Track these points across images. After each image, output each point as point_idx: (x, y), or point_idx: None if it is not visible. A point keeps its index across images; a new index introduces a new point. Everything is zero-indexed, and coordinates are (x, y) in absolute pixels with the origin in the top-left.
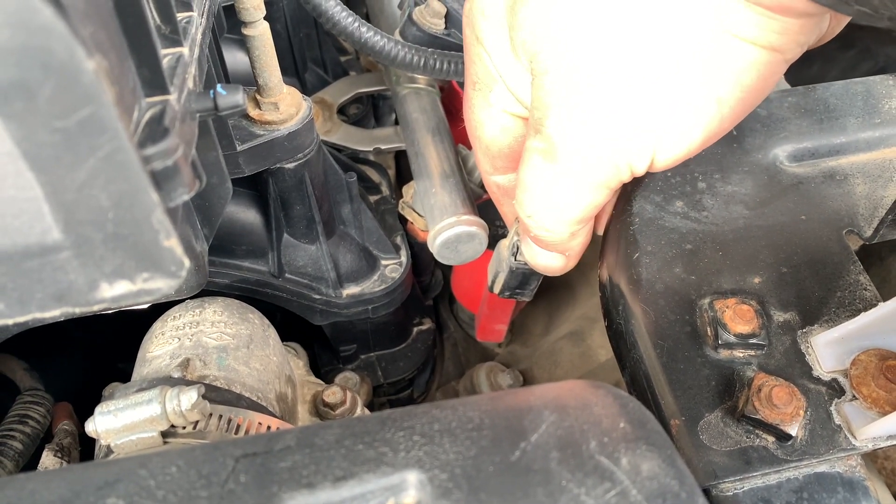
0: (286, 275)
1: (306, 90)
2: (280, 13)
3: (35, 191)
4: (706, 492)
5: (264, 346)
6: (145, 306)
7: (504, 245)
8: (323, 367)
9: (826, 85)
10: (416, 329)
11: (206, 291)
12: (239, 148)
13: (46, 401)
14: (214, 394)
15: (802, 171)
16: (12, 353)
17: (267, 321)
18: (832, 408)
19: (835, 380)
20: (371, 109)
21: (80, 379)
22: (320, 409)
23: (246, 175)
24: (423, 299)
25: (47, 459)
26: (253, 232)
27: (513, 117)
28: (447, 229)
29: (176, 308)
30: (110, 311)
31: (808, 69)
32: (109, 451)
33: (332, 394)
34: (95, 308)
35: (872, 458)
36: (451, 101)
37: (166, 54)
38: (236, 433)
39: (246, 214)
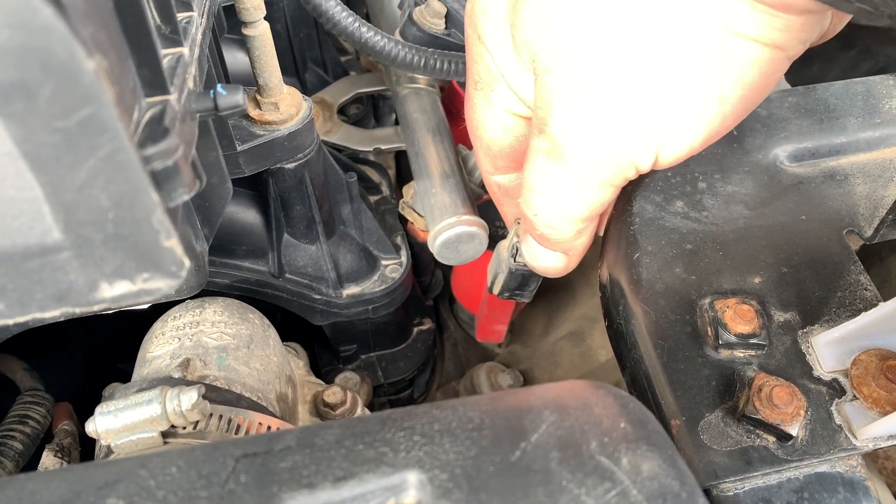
0: (286, 275)
1: (306, 90)
2: (280, 13)
3: (35, 191)
4: (707, 492)
5: (264, 347)
6: (145, 306)
7: (503, 246)
8: (323, 368)
9: (826, 85)
10: (416, 329)
11: (207, 291)
12: (239, 148)
13: (46, 401)
14: (215, 394)
15: (803, 171)
16: (12, 354)
17: (267, 321)
18: (833, 408)
19: (835, 380)
20: (371, 109)
21: (81, 379)
22: (320, 409)
23: (246, 175)
24: (424, 299)
25: (47, 460)
26: (253, 232)
27: (514, 117)
28: (447, 229)
29: (176, 308)
30: (110, 312)
31: (808, 69)
32: (109, 451)
33: (333, 394)
34: (95, 308)
35: (873, 458)
36: (451, 101)
37: (166, 54)
38: (236, 433)
39: (246, 214)
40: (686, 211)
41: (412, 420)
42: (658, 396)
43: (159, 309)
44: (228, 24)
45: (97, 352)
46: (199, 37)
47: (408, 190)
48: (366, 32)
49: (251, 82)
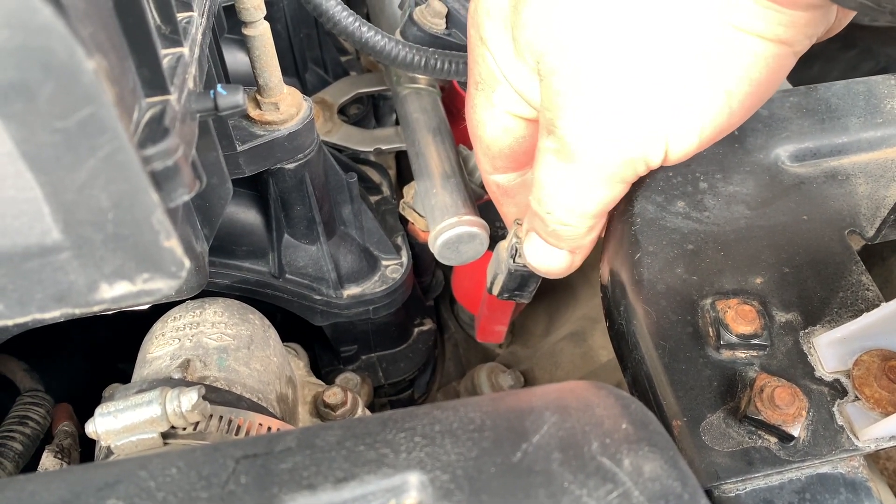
0: (287, 275)
1: (307, 90)
2: (280, 13)
3: (35, 191)
4: (708, 493)
5: (265, 347)
6: (145, 307)
7: (503, 247)
8: (324, 368)
9: (828, 85)
10: (416, 330)
11: (207, 292)
12: (239, 148)
13: (46, 402)
14: (215, 395)
15: (804, 171)
16: (12, 354)
17: (267, 322)
18: (834, 408)
19: (837, 380)
20: (371, 109)
21: (81, 380)
22: (321, 409)
23: (246, 175)
24: (424, 300)
25: (47, 460)
26: (253, 232)
27: (515, 118)
28: (448, 230)
29: (176, 309)
30: (110, 312)
31: (809, 69)
32: (109, 452)
33: (333, 394)
34: (95, 309)
35: (875, 459)
36: (452, 101)
37: (166, 54)
38: (237, 434)
39: (246, 215)
40: (687, 211)
41: (413, 421)
42: (659, 397)
43: (159, 309)
44: (228, 24)
45: (97, 352)
46: (200, 37)
47: (408, 190)
48: (366, 32)
49: (251, 82)
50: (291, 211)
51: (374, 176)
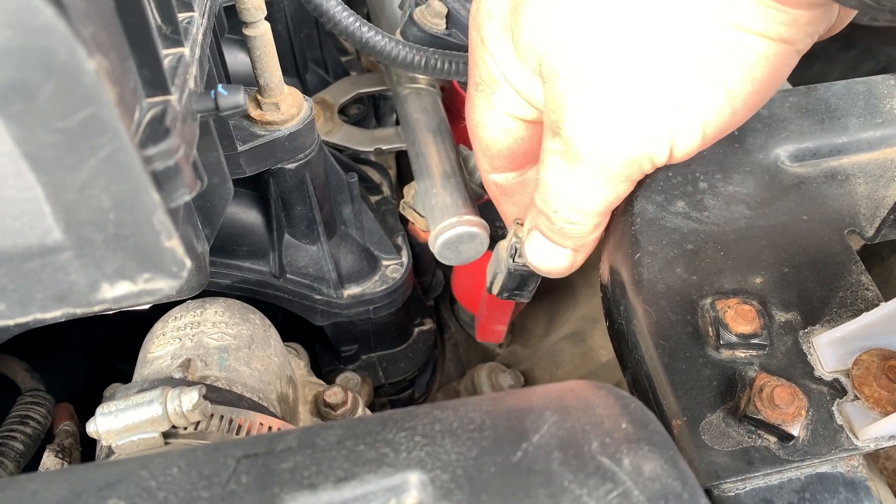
0: (287, 275)
1: (307, 90)
2: (281, 13)
3: (36, 191)
4: (708, 492)
5: (265, 347)
6: (146, 307)
7: (503, 246)
8: (324, 368)
9: (827, 85)
10: (417, 329)
11: (208, 292)
12: (240, 148)
13: (47, 401)
14: (215, 394)
15: (804, 170)
16: (13, 354)
17: (268, 321)
18: (834, 408)
19: (836, 380)
20: (372, 110)
21: (82, 379)
22: (321, 409)
23: (247, 175)
24: (425, 300)
25: (48, 460)
26: (254, 232)
27: (514, 119)
28: (448, 229)
29: (177, 308)
30: (111, 312)
31: (809, 69)
32: (110, 451)
33: (334, 394)
34: (96, 309)
35: (874, 459)
36: (452, 101)
37: (167, 54)
38: (237, 434)
39: (247, 215)
40: (687, 211)
41: (413, 420)
42: (659, 397)
43: (160, 309)
44: (229, 25)
45: (98, 352)
46: (200, 37)
47: (409, 190)
48: (367, 32)
49: (252, 82)
50: (292, 211)
51: (375, 176)
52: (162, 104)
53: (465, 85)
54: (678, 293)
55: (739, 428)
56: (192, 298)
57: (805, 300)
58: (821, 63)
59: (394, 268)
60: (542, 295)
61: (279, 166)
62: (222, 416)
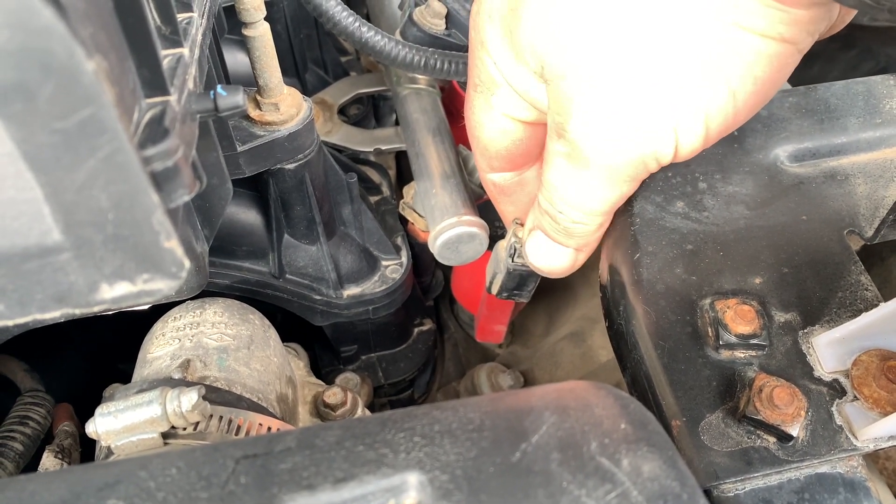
0: (287, 275)
1: (307, 91)
2: (280, 14)
3: (35, 192)
4: (707, 493)
5: (265, 347)
6: (145, 307)
7: (502, 246)
8: (324, 368)
9: (827, 85)
10: (416, 330)
11: (207, 292)
12: (239, 149)
13: (47, 402)
14: (215, 395)
15: (803, 171)
16: (13, 355)
17: (267, 322)
18: (833, 408)
19: (836, 380)
20: (371, 110)
21: (81, 380)
22: (321, 409)
23: (246, 176)
24: (424, 300)
25: (48, 461)
26: (253, 233)
27: (513, 121)
28: (448, 230)
29: (176, 309)
30: (110, 313)
31: (808, 69)
32: (110, 452)
33: (333, 395)
34: (96, 309)
35: (874, 459)
36: (451, 101)
37: (166, 55)
38: (237, 434)
39: (246, 215)
40: (686, 211)
41: (412, 421)
42: (658, 397)
43: (160, 310)
44: (229, 25)
45: (97, 353)
46: (200, 37)
47: (408, 190)
48: (366, 32)
49: (251, 83)
50: (291, 211)
51: (374, 176)
52: (161, 105)
53: (464, 85)
54: (677, 293)
55: (739, 428)
56: (191, 299)
57: (804, 300)
58: (821, 63)
59: (393, 268)
60: (542, 295)
61: (279, 167)
62: (221, 417)
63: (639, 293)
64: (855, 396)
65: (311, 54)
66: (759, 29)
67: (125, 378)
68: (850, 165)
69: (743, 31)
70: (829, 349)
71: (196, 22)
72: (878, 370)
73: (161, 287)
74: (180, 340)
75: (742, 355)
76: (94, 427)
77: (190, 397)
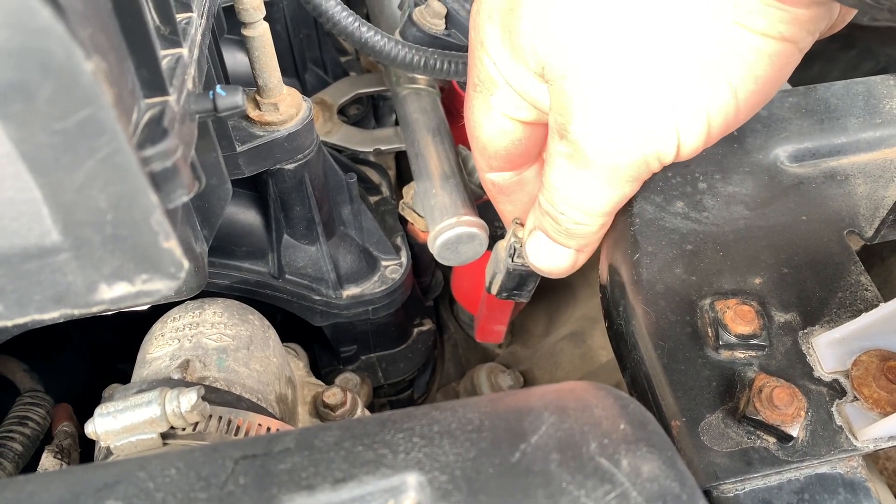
0: (286, 276)
1: (306, 91)
2: (280, 14)
3: (34, 192)
4: (707, 493)
5: (264, 348)
6: (145, 308)
7: (502, 246)
8: (323, 368)
9: (827, 85)
10: (416, 330)
11: (206, 292)
12: (239, 149)
13: (46, 402)
14: (214, 395)
15: (803, 171)
16: (12, 355)
17: (267, 322)
18: (833, 409)
19: (836, 380)
20: (371, 110)
21: (80, 380)
22: (320, 410)
23: (246, 176)
24: (424, 300)
25: (47, 461)
26: (253, 233)
27: (512, 121)
28: (447, 230)
29: (176, 309)
30: (110, 313)
31: (808, 70)
32: (109, 452)
33: (333, 395)
34: (94, 310)
35: (874, 459)
36: (451, 101)
37: (166, 55)
38: (236, 435)
39: (246, 215)
40: (686, 211)
41: (412, 421)
42: (658, 397)
43: (159, 310)
44: (228, 25)
45: (97, 353)
46: (199, 38)
47: (408, 191)
48: (366, 32)
49: (251, 83)
50: (291, 211)
51: (374, 176)
52: (160, 105)
53: (464, 85)
54: (677, 294)
55: (738, 429)
56: (190, 299)
57: (804, 301)
58: (821, 63)
59: (393, 268)
60: (542, 295)
61: (278, 167)
62: (221, 417)
63: (638, 293)
64: (855, 397)
65: (310, 54)
66: (759, 28)
67: (124, 378)
68: (850, 165)
69: (743, 30)
70: (828, 349)
71: (195, 22)
72: (877, 370)
73: (160, 287)
74: (179, 341)
75: (742, 355)
76: (93, 427)
77: (189, 398)
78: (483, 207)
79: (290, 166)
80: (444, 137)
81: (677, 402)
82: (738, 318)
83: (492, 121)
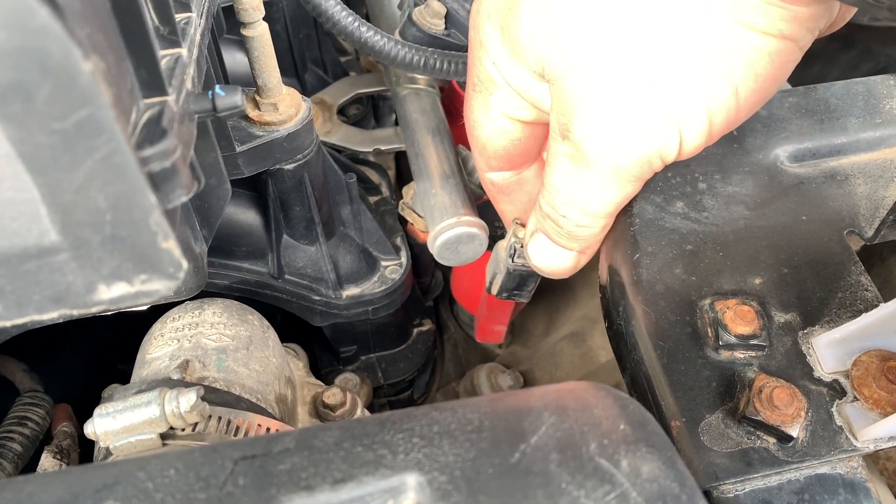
0: (286, 276)
1: (306, 91)
2: (279, 14)
3: (32, 193)
4: (707, 493)
5: (264, 348)
6: (144, 308)
7: (502, 246)
8: (323, 369)
9: (827, 85)
10: (416, 330)
11: (206, 293)
12: (238, 149)
13: (46, 402)
14: (214, 395)
15: (803, 171)
16: (12, 355)
17: (266, 322)
18: (833, 409)
19: (836, 381)
20: (371, 110)
21: (80, 380)
22: (320, 410)
23: (245, 176)
24: (424, 300)
25: (46, 461)
26: (252, 233)
27: (511, 121)
28: (447, 230)
29: (175, 309)
30: (109, 313)
31: (808, 70)
32: (108, 453)
33: (332, 395)
34: (93, 310)
35: (874, 460)
36: (451, 101)
37: (165, 55)
38: (235, 435)
39: (245, 215)
40: (686, 211)
41: (411, 422)
42: (658, 398)
43: (159, 310)
44: (228, 25)
45: (96, 353)
46: (198, 38)
47: (408, 191)
48: (366, 32)
49: (250, 83)
50: (290, 211)
51: (374, 176)
52: (159, 105)
53: (464, 85)
54: (677, 294)
55: (738, 429)
56: (190, 299)
57: (804, 301)
58: (821, 63)
59: (393, 268)
60: (542, 295)
61: (277, 167)
62: (220, 418)
63: (638, 294)
64: (855, 397)
65: (310, 54)
66: (759, 26)
67: (124, 378)
68: (850, 165)
69: (743, 28)
70: (828, 350)
71: (194, 22)
72: (878, 371)
73: (159, 288)
74: (179, 341)
75: (742, 356)
76: (92, 428)
77: (188, 398)
78: (483, 207)
79: (290, 166)
80: (444, 137)
81: (677, 402)
82: (738, 319)
83: (491, 120)
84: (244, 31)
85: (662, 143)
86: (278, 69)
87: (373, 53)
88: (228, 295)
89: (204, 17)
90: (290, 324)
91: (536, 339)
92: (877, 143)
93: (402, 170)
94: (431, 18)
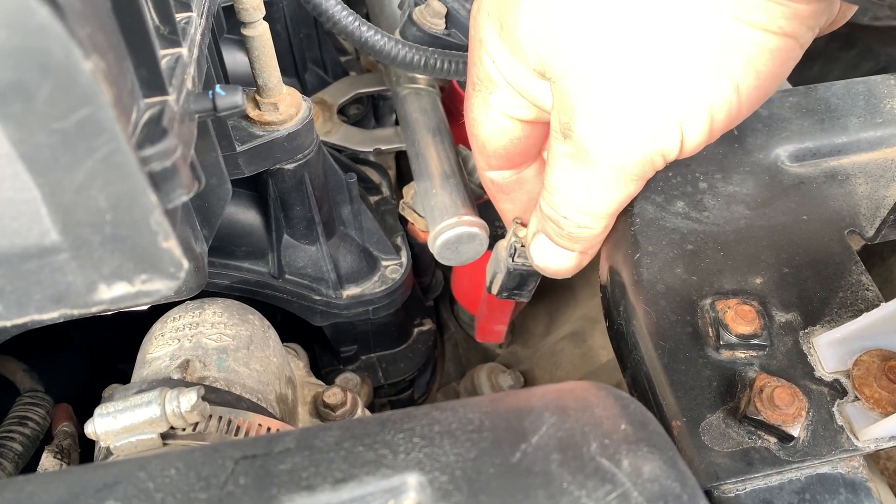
0: (286, 276)
1: (306, 90)
2: (280, 13)
3: (33, 192)
4: (708, 493)
5: (264, 348)
6: (144, 308)
7: (502, 246)
8: (323, 368)
9: (827, 85)
10: (416, 330)
11: (206, 292)
12: (238, 149)
13: (46, 402)
14: (214, 395)
15: (804, 171)
16: (12, 355)
17: (267, 322)
18: (834, 409)
19: (837, 380)
20: (371, 110)
21: (80, 380)
22: (321, 410)
23: (246, 176)
24: (424, 300)
25: (47, 461)
26: (253, 233)
27: (511, 120)
28: (448, 230)
29: (176, 309)
30: (109, 313)
31: (809, 69)
32: (109, 452)
33: (333, 395)
34: (94, 310)
35: (875, 459)
36: (451, 101)
37: (165, 55)
38: (236, 435)
39: (246, 215)
40: (687, 211)
41: (412, 422)
42: (659, 397)
43: (159, 310)
44: (228, 25)
45: (97, 353)
46: (199, 37)
47: (408, 190)
48: (366, 31)
49: (251, 83)
50: (291, 211)
51: (374, 176)
52: (159, 105)
53: (464, 85)
54: (678, 293)
55: (739, 429)
56: (190, 299)
57: (805, 300)
58: (821, 63)
59: (393, 268)
60: (542, 295)
61: (278, 167)
62: (221, 417)
63: (639, 293)
64: (856, 397)
65: (310, 54)
66: (759, 23)
67: (124, 378)
68: (851, 165)
69: (744, 25)
70: (829, 349)
71: (195, 22)
72: (879, 370)
73: (159, 287)
74: (179, 341)
75: (743, 355)
76: (93, 427)
77: (189, 398)
78: (483, 207)
79: (290, 166)
80: (445, 137)
81: (678, 402)
82: (739, 318)
83: (491, 119)
84: (244, 31)
85: (664, 141)
86: (279, 69)
87: (373, 53)
88: (229, 295)
89: (204, 16)
90: (290, 323)
91: (537, 339)
92: (877, 142)
93: (403, 169)
94: (432, 18)
